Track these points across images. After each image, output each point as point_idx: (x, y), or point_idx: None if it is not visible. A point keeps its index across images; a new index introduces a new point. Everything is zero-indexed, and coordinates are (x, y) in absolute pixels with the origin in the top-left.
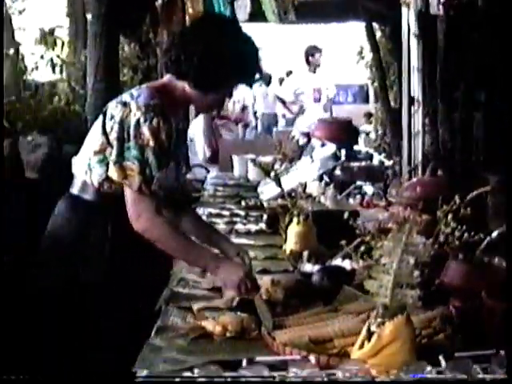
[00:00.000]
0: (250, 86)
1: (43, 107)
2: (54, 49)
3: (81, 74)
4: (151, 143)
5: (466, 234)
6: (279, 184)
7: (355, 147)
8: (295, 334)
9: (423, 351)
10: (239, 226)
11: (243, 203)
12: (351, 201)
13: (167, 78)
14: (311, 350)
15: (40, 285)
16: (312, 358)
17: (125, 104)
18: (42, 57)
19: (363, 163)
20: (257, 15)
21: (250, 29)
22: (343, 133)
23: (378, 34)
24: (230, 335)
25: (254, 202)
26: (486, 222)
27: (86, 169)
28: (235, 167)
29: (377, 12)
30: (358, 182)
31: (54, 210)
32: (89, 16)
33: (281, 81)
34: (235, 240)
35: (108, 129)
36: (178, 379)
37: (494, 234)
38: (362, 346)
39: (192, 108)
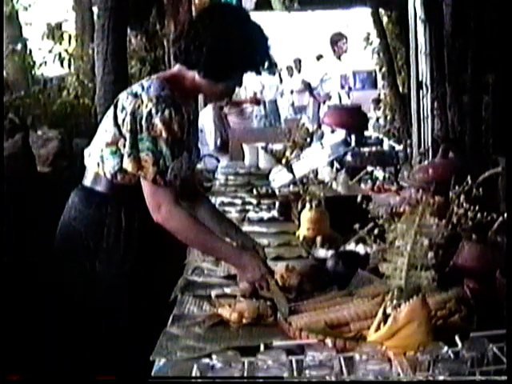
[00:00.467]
0: (260, 74)
1: (52, 101)
2: (61, 43)
3: (89, 67)
4: (164, 134)
5: (478, 215)
6: (291, 171)
7: (365, 133)
8: (311, 318)
9: (439, 332)
10: (252, 214)
11: (255, 191)
12: (363, 186)
13: (177, 67)
14: (327, 334)
15: (55, 278)
16: (329, 341)
17: (136, 95)
18: (49, 51)
19: (373, 148)
20: (263, 4)
21: (256, 17)
22: (353, 119)
23: (385, 20)
24: (246, 322)
25: (265, 189)
26: (497, 202)
27: (99, 161)
28: (246, 156)
29: None
30: (369, 168)
31: (67, 203)
32: (95, 9)
33: (289, 69)
34: (248, 228)
35: (120, 120)
36: (196, 366)
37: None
38: (378, 329)
39: (201, 97)
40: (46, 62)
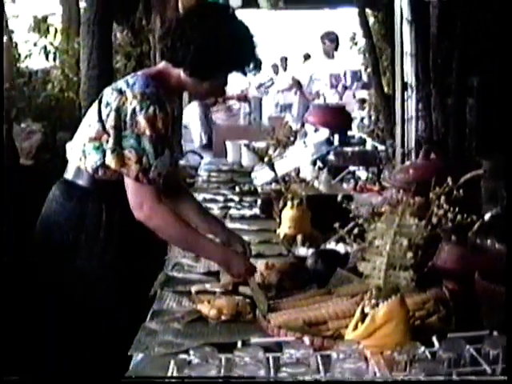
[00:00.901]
0: (245, 74)
1: (37, 94)
2: (47, 36)
3: (74, 60)
4: (148, 132)
5: (458, 216)
6: (273, 169)
7: (349, 132)
8: (290, 316)
9: (417, 332)
10: (233, 211)
11: (237, 188)
12: (345, 185)
13: (163, 64)
14: (306, 332)
15: (34, 270)
16: (306, 339)
17: (120, 91)
18: (35, 44)
19: (356, 148)
20: (249, 1)
21: (243, 15)
22: (336, 118)
23: (371, 20)
24: (225, 318)
25: (247, 187)
26: (478, 204)
27: (81, 155)
28: (229, 153)
29: None
30: (352, 167)
31: (48, 196)
32: (82, 3)
33: (274, 67)
34: (229, 225)
35: (104, 116)
36: (173, 362)
37: (487, 216)
38: (355, 328)
39: (185, 94)
40: (31, 55)
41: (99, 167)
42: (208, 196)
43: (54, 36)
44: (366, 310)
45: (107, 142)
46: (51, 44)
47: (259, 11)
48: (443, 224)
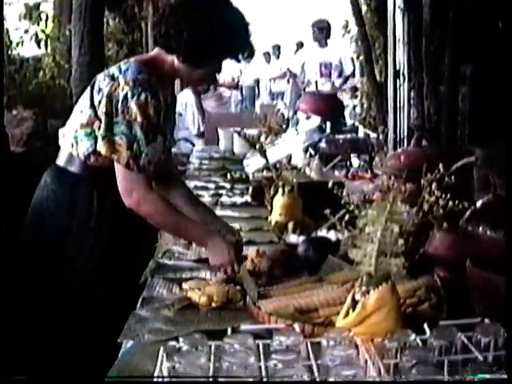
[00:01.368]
0: (239, 61)
1: (28, 82)
2: (38, 23)
3: (65, 48)
4: (139, 119)
5: (450, 203)
6: (264, 156)
7: (341, 120)
8: (280, 303)
9: (408, 320)
10: (225, 199)
11: (229, 176)
12: (336, 173)
13: (156, 51)
14: (296, 319)
15: (25, 257)
16: (297, 326)
17: (113, 77)
18: (26, 31)
19: (348, 136)
20: None
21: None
22: (328, 106)
23: (364, 8)
24: (215, 305)
25: (239, 174)
26: (470, 192)
27: (73, 141)
28: (221, 140)
29: None
30: (344, 155)
31: (40, 182)
32: None
33: (266, 55)
34: (220, 212)
35: (96, 102)
36: (162, 349)
37: (479, 203)
38: (346, 315)
39: (177, 82)
40: (22, 42)
41: (91, 154)
42: (199, 183)
43: (46, 23)
44: (357, 297)
45: (99, 128)
46: (42, 31)
47: None
48: (435, 211)
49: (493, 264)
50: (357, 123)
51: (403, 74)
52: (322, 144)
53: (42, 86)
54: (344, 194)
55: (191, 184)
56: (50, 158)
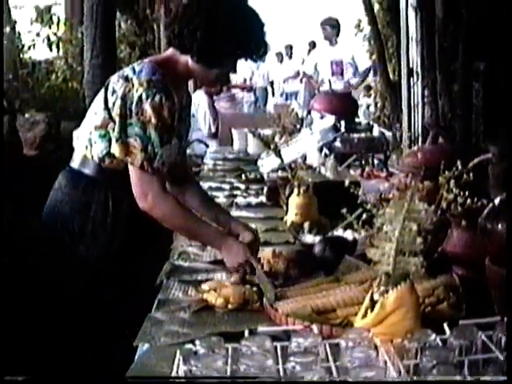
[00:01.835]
0: (255, 61)
1: (41, 85)
2: (50, 26)
3: (77, 50)
4: (153, 120)
5: (468, 201)
6: (279, 156)
7: (355, 119)
8: (297, 304)
9: (427, 319)
10: (240, 199)
11: (243, 176)
12: (352, 172)
13: (170, 51)
14: (314, 320)
15: (40, 259)
16: (315, 327)
17: (127, 79)
18: (38, 34)
19: (363, 134)
20: None
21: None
22: (342, 105)
23: (376, 7)
24: (231, 307)
25: (254, 175)
26: (487, 189)
27: (87, 143)
28: (235, 141)
29: None
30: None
31: (54, 185)
32: None
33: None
34: (236, 213)
35: (110, 104)
36: (178, 352)
37: (497, 200)
38: (365, 315)
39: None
40: (34, 45)
41: (105, 156)
42: (214, 184)
43: (58, 26)
44: (376, 297)
45: (113, 130)
46: (54, 34)
47: None
48: (453, 209)
49: None
50: (371, 122)
51: (417, 73)
52: (337, 143)
53: (55, 88)
54: (360, 193)
55: (205, 185)
56: (63, 160)
